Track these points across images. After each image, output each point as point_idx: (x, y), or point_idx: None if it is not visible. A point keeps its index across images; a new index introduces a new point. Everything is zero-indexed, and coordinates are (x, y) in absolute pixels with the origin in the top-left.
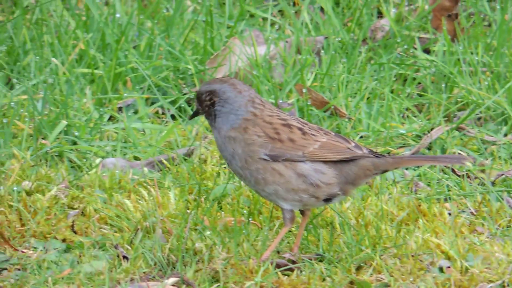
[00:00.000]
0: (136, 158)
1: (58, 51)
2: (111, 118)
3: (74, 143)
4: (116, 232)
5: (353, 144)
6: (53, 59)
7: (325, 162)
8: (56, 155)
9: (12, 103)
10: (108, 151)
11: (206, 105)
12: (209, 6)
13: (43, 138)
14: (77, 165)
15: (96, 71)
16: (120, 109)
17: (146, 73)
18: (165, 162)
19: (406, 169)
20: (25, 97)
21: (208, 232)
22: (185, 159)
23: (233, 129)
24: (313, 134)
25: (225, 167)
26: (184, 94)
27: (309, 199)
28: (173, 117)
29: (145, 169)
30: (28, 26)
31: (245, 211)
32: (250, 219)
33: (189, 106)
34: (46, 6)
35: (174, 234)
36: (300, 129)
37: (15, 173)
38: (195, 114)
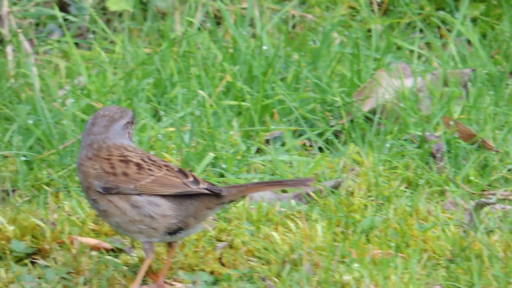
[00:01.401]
0: (283, 191)
1: (205, 83)
2: (258, 151)
3: (222, 176)
4: (263, 264)
5: (190, 179)
6: (200, 91)
7: (162, 195)
8: None
9: (159, 135)
10: None
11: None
12: (356, 39)
13: (190, 170)
14: None
15: (243, 103)
16: (267, 141)
17: (293, 105)
18: (312, 194)
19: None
20: (172, 129)
21: (356, 265)
22: (332, 192)
23: (80, 159)
24: (150, 169)
25: (372, 200)
26: (332, 126)
27: (148, 230)
28: (320, 149)
29: (292, 201)
30: (175, 58)
31: (392, 244)
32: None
33: (337, 138)
34: (193, 39)
35: (322, 266)
36: (137, 164)
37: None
38: None
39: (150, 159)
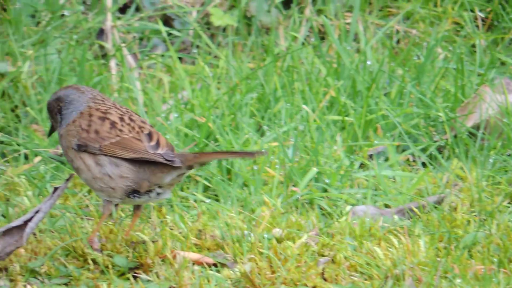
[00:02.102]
0: (386, 206)
1: (309, 98)
2: (361, 166)
3: (325, 190)
4: (366, 279)
5: (152, 143)
6: (304, 106)
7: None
8: (306, 202)
9: (263, 150)
10: (359, 199)
11: (55, 113)
12: (460, 54)
13: (293, 185)
14: (328, 213)
15: (346, 118)
16: (370, 156)
17: (396, 120)
18: (415, 209)
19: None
20: (275, 144)
21: (458, 280)
22: (435, 207)
23: (66, 125)
24: (120, 130)
25: (475, 215)
26: (435, 141)
27: (108, 190)
28: (423, 164)
29: (395, 216)
30: (279, 73)
31: (495, 259)
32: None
33: (440, 153)
34: (297, 54)
35: (424, 282)
36: (112, 123)
37: (265, 220)
38: (51, 130)
39: (131, 119)
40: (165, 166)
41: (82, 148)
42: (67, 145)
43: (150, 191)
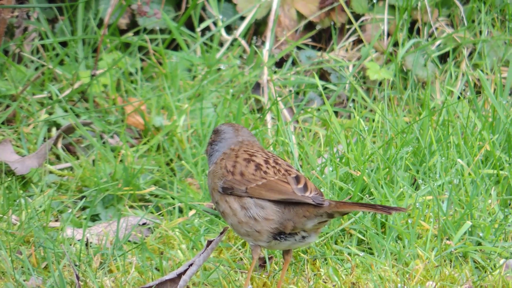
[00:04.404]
0: None
1: (464, 152)
2: None
3: (479, 244)
4: None
5: (300, 186)
6: (459, 159)
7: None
8: (460, 256)
9: (417, 204)
10: None
11: (209, 143)
12: None
13: (447, 239)
14: (481, 266)
15: (501, 172)
16: None
17: None
18: None
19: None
20: (430, 197)
21: None
22: None
23: (212, 164)
24: (265, 172)
25: None
26: None
27: (254, 233)
28: None
29: None
30: (434, 127)
31: None
32: None
33: None
34: (452, 108)
35: None
36: (257, 165)
37: (419, 273)
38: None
39: (276, 162)
40: (308, 210)
41: (228, 190)
42: (213, 187)
43: (296, 233)
